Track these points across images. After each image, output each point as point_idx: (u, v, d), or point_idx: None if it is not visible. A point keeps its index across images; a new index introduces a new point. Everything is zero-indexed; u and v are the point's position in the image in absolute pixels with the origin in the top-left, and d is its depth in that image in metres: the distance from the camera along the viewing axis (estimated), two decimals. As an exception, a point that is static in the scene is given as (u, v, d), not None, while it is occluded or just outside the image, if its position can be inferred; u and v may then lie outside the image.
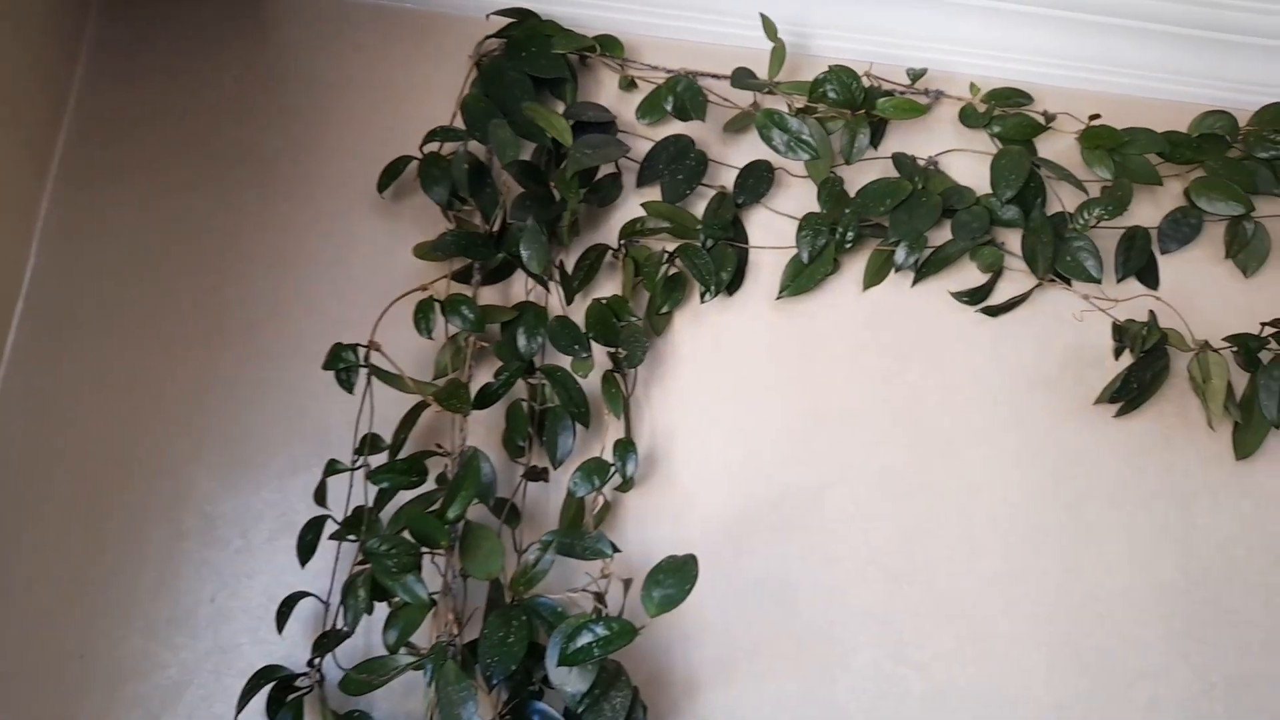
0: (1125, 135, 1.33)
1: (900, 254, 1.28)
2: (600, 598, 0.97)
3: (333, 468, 1.02)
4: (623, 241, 1.25)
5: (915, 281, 1.31)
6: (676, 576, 0.93)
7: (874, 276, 1.30)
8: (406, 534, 0.95)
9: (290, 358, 1.17)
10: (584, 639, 0.90)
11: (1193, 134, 1.37)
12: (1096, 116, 1.33)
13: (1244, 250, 1.34)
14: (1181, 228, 1.35)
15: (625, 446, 1.13)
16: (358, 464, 1.03)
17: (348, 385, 1.03)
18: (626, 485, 1.14)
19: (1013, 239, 1.32)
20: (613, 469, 1.10)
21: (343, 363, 1.01)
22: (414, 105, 1.28)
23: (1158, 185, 1.34)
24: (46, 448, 1.11)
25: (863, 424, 1.26)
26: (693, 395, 1.23)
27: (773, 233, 1.30)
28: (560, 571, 1.01)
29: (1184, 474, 1.28)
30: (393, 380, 1.03)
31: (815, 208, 1.30)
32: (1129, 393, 1.26)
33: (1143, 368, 1.26)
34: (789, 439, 1.24)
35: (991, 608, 1.19)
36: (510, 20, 1.29)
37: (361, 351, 1.05)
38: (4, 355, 1.13)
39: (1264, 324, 1.27)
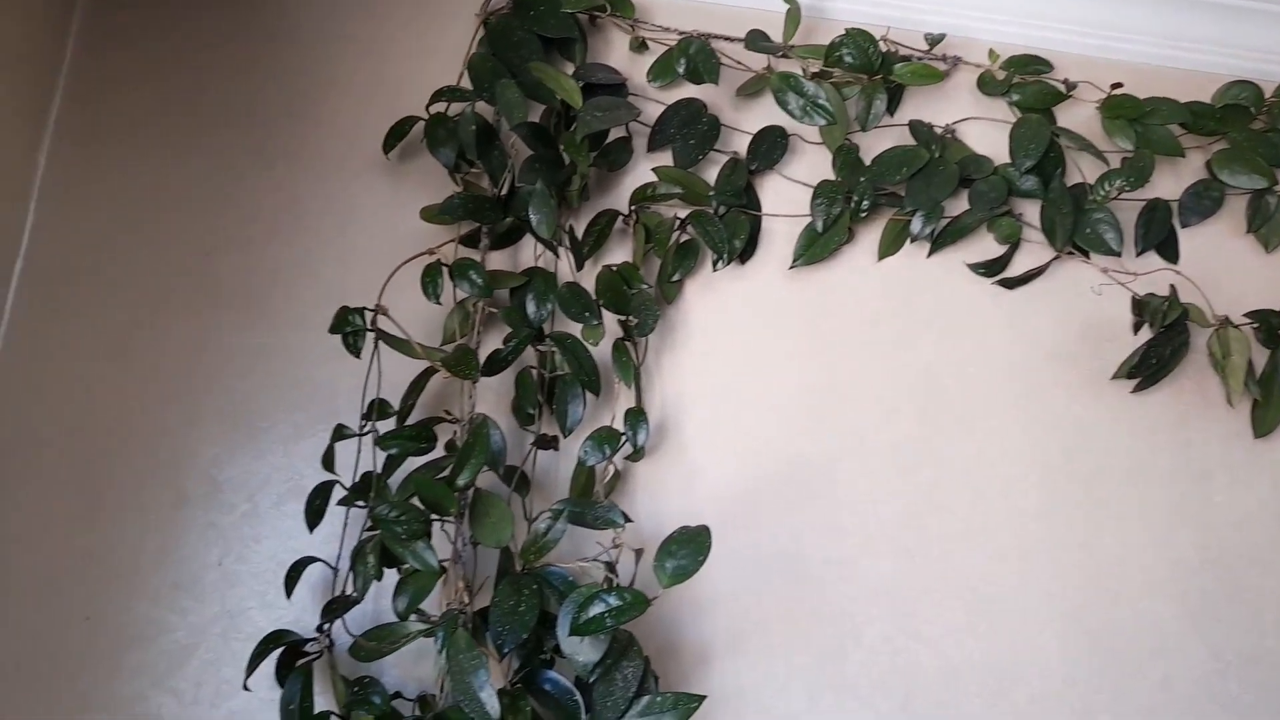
0: (1147, 105, 1.31)
1: (916, 224, 1.26)
2: (611, 567, 0.96)
3: (340, 433, 1.00)
4: (633, 207, 1.22)
5: (931, 252, 1.28)
6: (689, 548, 0.91)
7: (889, 246, 1.28)
8: (416, 500, 0.93)
9: (293, 323, 1.15)
10: (596, 609, 0.88)
11: (1216, 105, 1.35)
12: (1119, 85, 1.30)
13: (1266, 224, 1.32)
14: (1203, 201, 1.33)
15: (636, 415, 1.11)
16: (366, 430, 1.01)
17: (355, 349, 1.01)
18: (637, 455, 1.12)
19: (1030, 210, 1.30)
20: (624, 438, 1.08)
21: (350, 326, 0.98)
22: (419, 64, 1.25)
23: (1179, 157, 1.31)
24: (47, 411, 1.09)
25: (875, 396, 1.24)
26: (704, 365, 1.21)
27: (786, 200, 1.28)
28: (570, 541, 0.99)
29: (1201, 451, 1.26)
30: (400, 345, 1.01)
31: (829, 175, 1.27)
32: (1147, 368, 1.24)
33: (1162, 343, 1.24)
34: (801, 410, 1.22)
35: (1003, 583, 1.18)
36: (518, -23, 1.26)
37: (368, 316, 1.02)
38: (3, 316, 1.11)
39: (1286, 299, 1.25)
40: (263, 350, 1.14)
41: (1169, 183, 1.34)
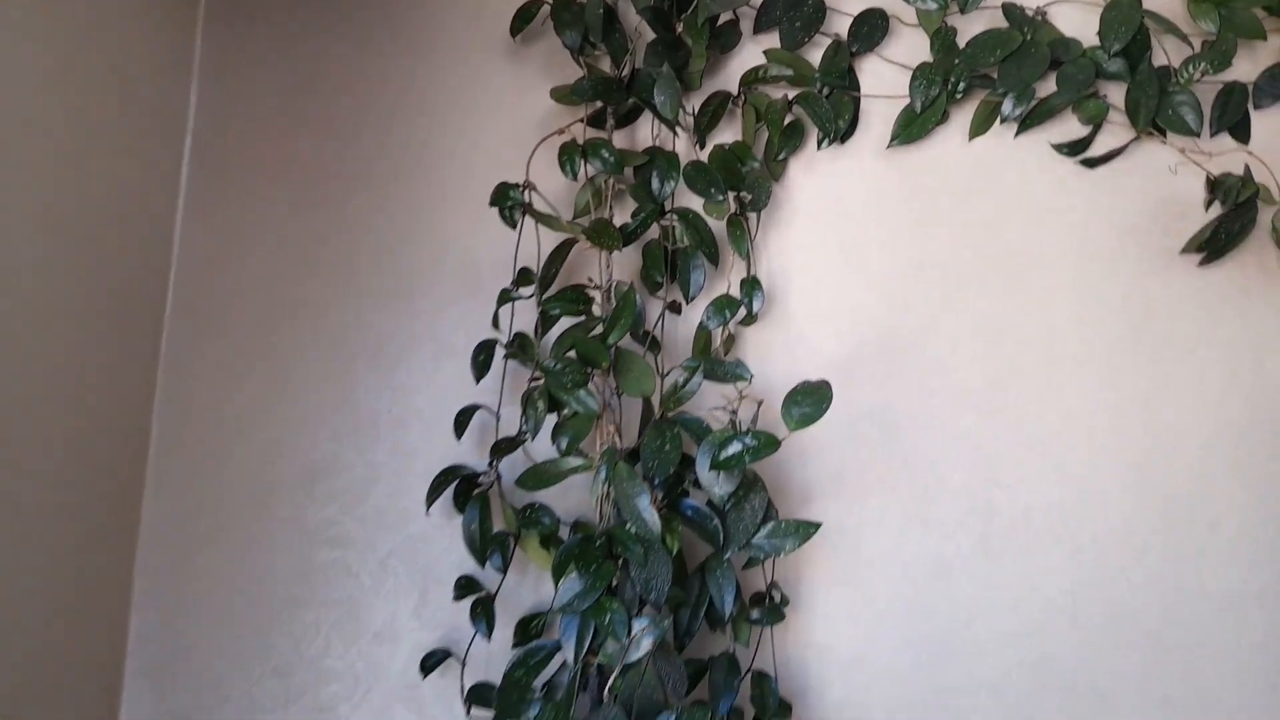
0: (1234, -12, 1.35)
1: (1007, 105, 1.33)
2: (734, 417, 1.09)
3: (506, 296, 1.12)
4: (743, 89, 1.30)
5: (1018, 133, 1.36)
6: (813, 398, 1.04)
7: (980, 127, 1.36)
8: (573, 355, 1.05)
9: (433, 200, 1.25)
10: (734, 448, 1.02)
11: (1300, -13, 1.39)
12: (1207, -31, 1.35)
13: (1338, 107, 1.38)
14: (1278, 83, 1.39)
15: (751, 284, 1.22)
16: (529, 294, 1.13)
17: (511, 222, 1.12)
18: (750, 319, 1.24)
19: (1113, 91, 1.37)
20: (740, 304, 1.20)
21: (509, 200, 1.09)
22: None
23: (1262, 40, 1.37)
24: (224, 285, 1.21)
25: (962, 271, 1.34)
26: (806, 240, 1.32)
27: (881, 81, 1.35)
28: (696, 399, 1.12)
29: (1259, 322, 1.36)
30: (547, 220, 1.11)
31: (926, 58, 1.34)
32: (1216, 243, 1.33)
33: (1232, 219, 1.33)
34: (894, 283, 1.33)
35: (1072, 439, 1.31)
36: None
37: (518, 193, 1.13)
38: (180, 194, 1.21)
39: (1352, 180, 1.33)
40: (407, 227, 1.25)
41: (1245, 65, 1.39)
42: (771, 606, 1.13)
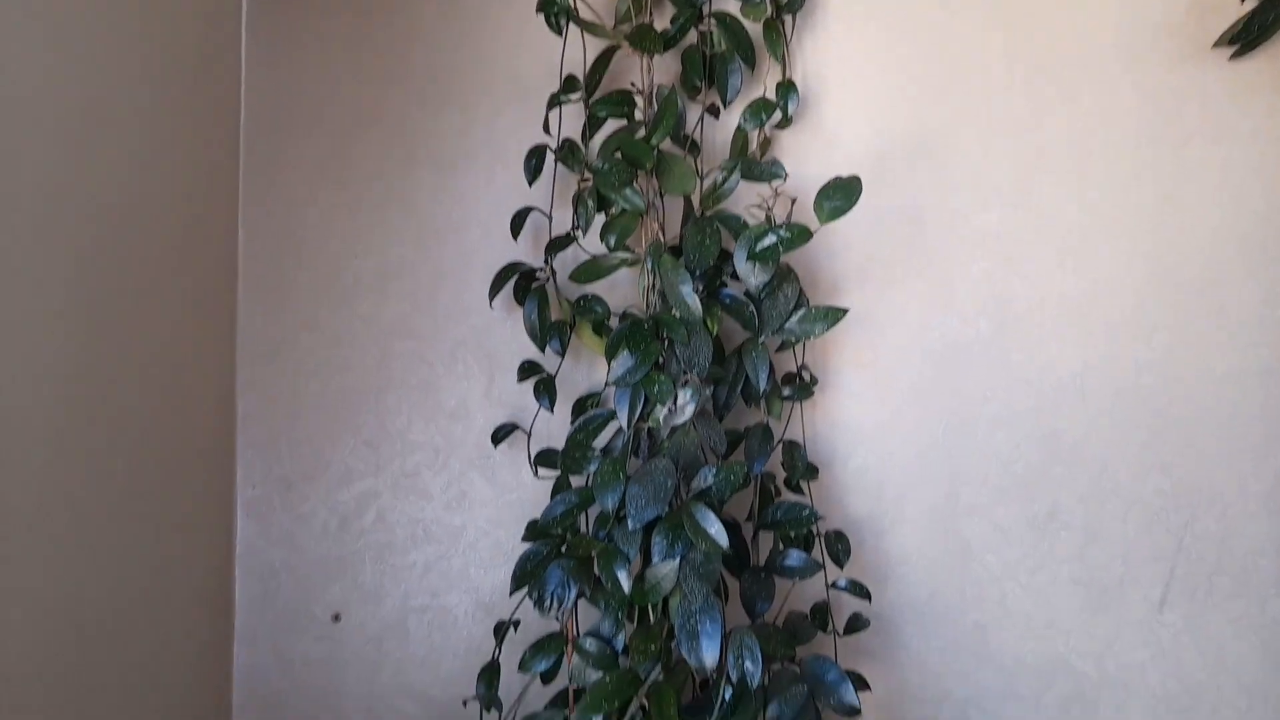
0: None
1: (1046, -104, 1.33)
2: (770, 213, 1.18)
3: (555, 100, 1.20)
4: (778, -112, 1.30)
5: (1055, -75, 1.36)
6: (843, 192, 1.12)
7: (1017, -80, 1.36)
8: (619, 156, 1.14)
9: (478, 10, 1.31)
10: (768, 240, 1.11)
11: None
12: None
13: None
14: None
15: (787, 87, 1.28)
16: (576, 98, 1.20)
17: (556, 28, 1.18)
18: (786, 122, 1.30)
19: (1158, -122, 1.35)
20: (776, 107, 1.26)
21: (555, 6, 1.14)
22: None
23: None
24: (293, 97, 1.29)
25: (991, 68, 1.37)
26: (840, 42, 1.35)
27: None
28: (732, 198, 1.21)
29: (1286, 114, 1.40)
30: (591, 26, 1.17)
31: None
32: (1248, 35, 1.35)
33: (1266, 10, 1.34)
34: (925, 83, 1.37)
35: (1093, 231, 1.38)
36: None
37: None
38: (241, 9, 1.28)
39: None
40: (457, 38, 1.31)
41: None
42: (801, 385, 1.26)
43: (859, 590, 1.23)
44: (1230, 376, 1.36)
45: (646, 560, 1.04)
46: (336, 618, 1.29)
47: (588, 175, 1.16)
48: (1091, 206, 1.39)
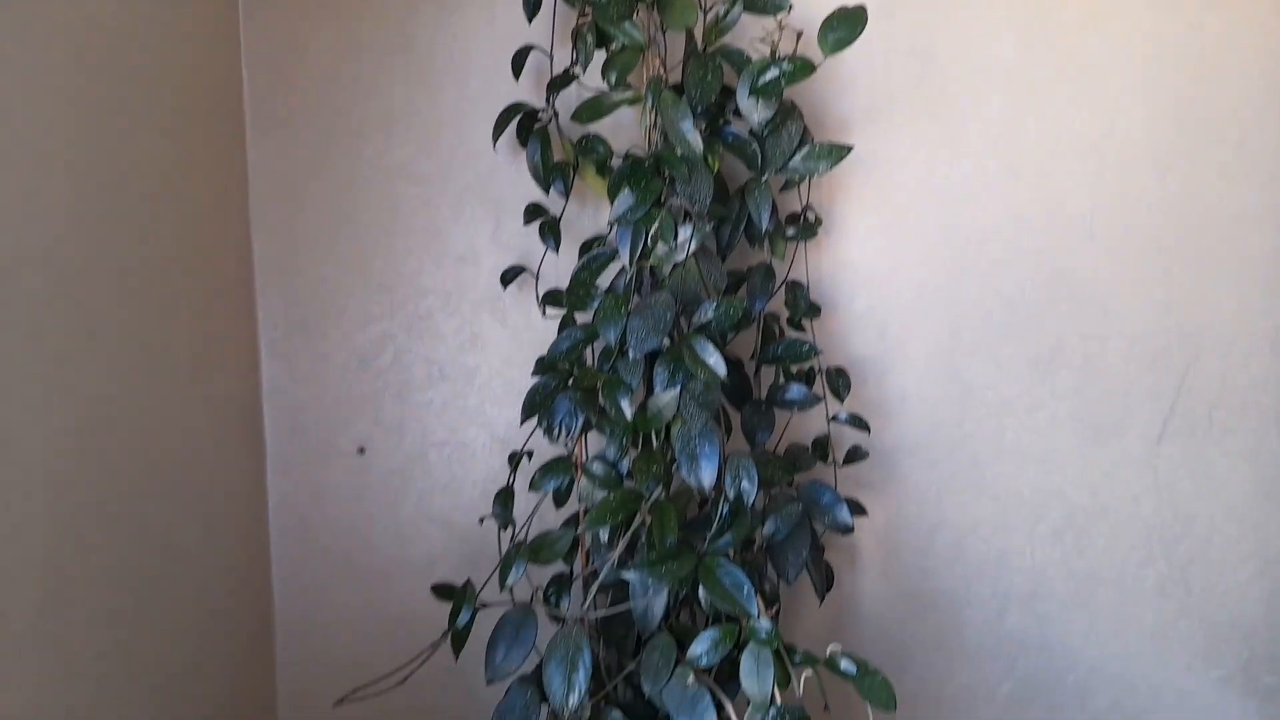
0: None
1: None
2: (774, 47, 1.16)
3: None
4: None
5: None
6: (848, 22, 1.09)
7: None
8: (618, -12, 1.12)
9: None
10: (770, 74, 1.10)
11: None
12: None
13: None
14: None
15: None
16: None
17: None
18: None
19: None
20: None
21: None
22: None
23: None
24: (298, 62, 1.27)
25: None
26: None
27: None
28: (736, 33, 1.19)
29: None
30: None
31: None
32: None
33: None
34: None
35: (1110, 67, 1.33)
36: None
37: None
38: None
39: None
40: None
41: None
42: (806, 224, 1.27)
43: (859, 423, 1.28)
44: (1241, 216, 1.34)
45: (650, 392, 1.09)
46: (361, 450, 1.37)
47: (587, 10, 1.14)
48: (1111, 39, 1.34)
